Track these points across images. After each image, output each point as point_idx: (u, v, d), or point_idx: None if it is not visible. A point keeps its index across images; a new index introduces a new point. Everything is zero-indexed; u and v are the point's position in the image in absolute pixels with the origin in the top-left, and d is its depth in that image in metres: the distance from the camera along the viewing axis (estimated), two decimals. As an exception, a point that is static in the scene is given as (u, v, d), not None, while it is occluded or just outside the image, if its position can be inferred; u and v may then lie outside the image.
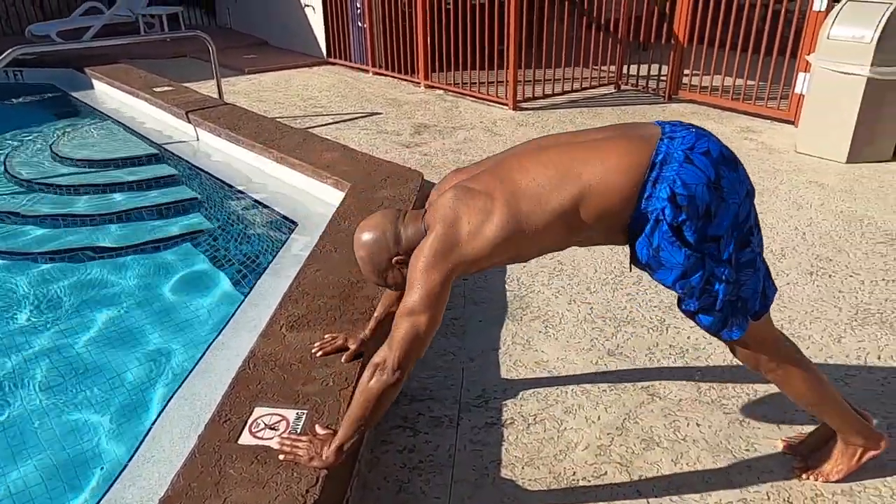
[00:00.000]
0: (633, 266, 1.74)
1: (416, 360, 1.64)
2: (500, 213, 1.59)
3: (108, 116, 5.98)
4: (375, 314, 2.14)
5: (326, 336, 2.19)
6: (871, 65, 4.18)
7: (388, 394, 1.63)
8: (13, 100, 6.91)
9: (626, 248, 1.72)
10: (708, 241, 1.57)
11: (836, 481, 1.92)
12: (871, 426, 1.93)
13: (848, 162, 4.47)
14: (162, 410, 2.32)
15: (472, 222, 1.60)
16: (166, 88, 6.03)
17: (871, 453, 1.91)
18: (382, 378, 1.61)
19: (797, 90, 5.08)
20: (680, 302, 1.75)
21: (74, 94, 6.81)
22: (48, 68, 7.35)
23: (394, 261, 1.72)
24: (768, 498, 1.90)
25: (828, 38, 4.36)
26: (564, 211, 1.59)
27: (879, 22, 4.11)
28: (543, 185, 1.59)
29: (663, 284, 1.68)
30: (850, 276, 3.10)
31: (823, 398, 1.85)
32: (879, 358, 2.51)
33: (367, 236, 1.73)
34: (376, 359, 1.62)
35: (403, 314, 1.60)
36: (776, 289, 1.78)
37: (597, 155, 1.60)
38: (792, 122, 5.23)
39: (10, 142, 5.54)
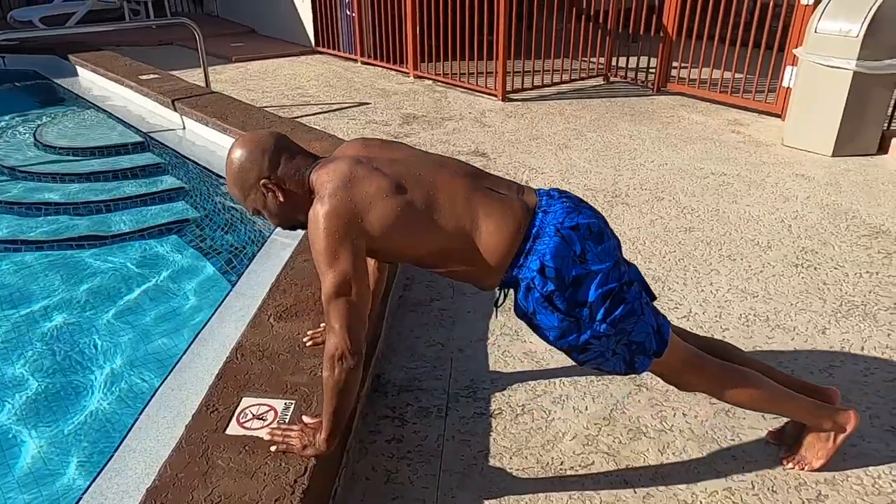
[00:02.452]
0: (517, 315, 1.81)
1: (363, 332, 1.62)
2: (398, 202, 1.62)
3: (93, 104, 5.91)
4: None
5: (322, 325, 2.19)
6: (858, 59, 4.20)
7: (353, 377, 1.61)
8: (-5, 86, 6.81)
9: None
10: (578, 307, 1.68)
11: (820, 468, 1.95)
12: (833, 407, 1.94)
13: (834, 155, 4.51)
14: (148, 402, 2.30)
15: (371, 197, 1.61)
16: (152, 76, 5.96)
17: (844, 434, 1.92)
18: (343, 366, 1.59)
19: (784, 84, 5.11)
20: None
21: (58, 82, 6.72)
22: (31, 55, 7.24)
23: (261, 182, 1.67)
24: (753, 487, 1.92)
25: (815, 31, 4.38)
26: (446, 239, 1.67)
27: (866, 16, 4.14)
28: (440, 208, 1.66)
29: (546, 342, 1.77)
30: (835, 268, 3.13)
31: (768, 399, 1.89)
32: (863, 349, 2.54)
33: (242, 149, 1.69)
34: (329, 352, 1.60)
35: (329, 299, 1.58)
36: (670, 324, 1.83)
37: (491, 211, 1.68)
38: (779, 116, 5.26)
39: (-8, 129, 5.45)
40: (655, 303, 1.88)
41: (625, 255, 3.35)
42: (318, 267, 1.61)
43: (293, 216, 1.73)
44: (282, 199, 1.69)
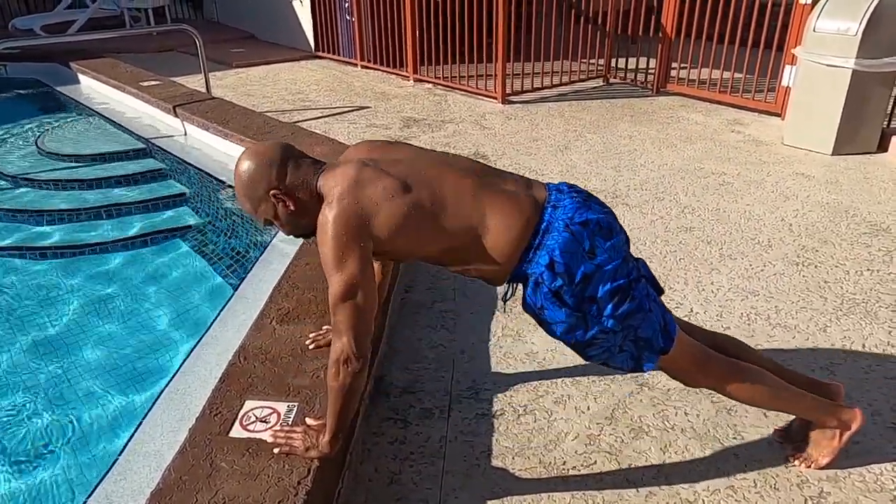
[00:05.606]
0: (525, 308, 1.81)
1: (369, 337, 1.64)
2: (405, 203, 1.63)
3: (95, 111, 5.93)
4: None
5: (323, 328, 2.20)
6: (857, 57, 4.21)
7: (358, 381, 1.64)
8: (-3, 94, 6.84)
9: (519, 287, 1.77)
10: (587, 303, 1.68)
11: (825, 466, 1.95)
12: (838, 405, 1.94)
13: (833, 154, 4.51)
14: (152, 405, 2.31)
15: (378, 198, 1.62)
16: (153, 83, 5.99)
17: (850, 432, 1.92)
18: (349, 370, 1.61)
19: (783, 83, 5.11)
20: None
21: (60, 89, 6.74)
22: (33, 63, 7.27)
23: (270, 192, 1.67)
24: (755, 485, 1.92)
25: (813, 30, 4.39)
26: (454, 237, 1.68)
27: (864, 15, 4.15)
28: (446, 206, 1.66)
29: (553, 337, 1.78)
30: (836, 266, 3.14)
31: (773, 397, 1.88)
32: (864, 346, 2.54)
33: (249, 161, 1.68)
34: (334, 355, 1.62)
35: (336, 302, 1.60)
36: (677, 321, 1.83)
37: (499, 207, 1.68)
38: (779, 115, 5.26)
39: (-6, 137, 5.48)
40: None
41: (625, 256, 3.33)
42: (325, 270, 1.62)
43: (304, 224, 1.73)
44: (292, 207, 1.69)
